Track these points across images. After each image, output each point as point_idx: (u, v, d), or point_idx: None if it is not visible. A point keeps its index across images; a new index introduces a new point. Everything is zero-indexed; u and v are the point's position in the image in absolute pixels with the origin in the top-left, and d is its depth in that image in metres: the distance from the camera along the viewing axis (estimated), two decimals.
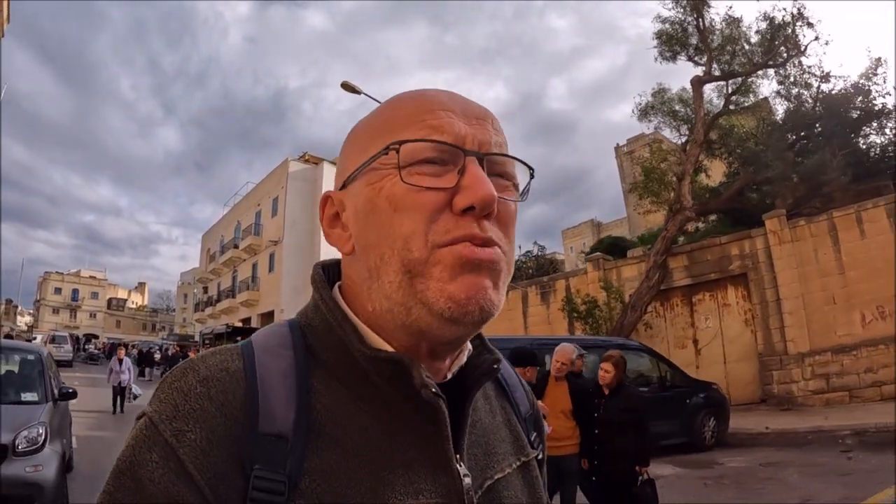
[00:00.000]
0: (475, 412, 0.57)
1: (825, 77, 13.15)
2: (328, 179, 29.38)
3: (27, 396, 4.61)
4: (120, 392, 11.71)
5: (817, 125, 12.49)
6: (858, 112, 12.77)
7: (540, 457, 0.64)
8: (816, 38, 12.87)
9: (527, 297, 15.37)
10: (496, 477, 0.55)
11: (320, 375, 0.50)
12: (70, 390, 5.30)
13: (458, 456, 0.51)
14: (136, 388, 10.41)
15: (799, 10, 12.74)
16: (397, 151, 0.47)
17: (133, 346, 35.09)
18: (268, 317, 28.98)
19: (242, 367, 0.48)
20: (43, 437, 4.05)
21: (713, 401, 8.61)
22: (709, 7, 13.37)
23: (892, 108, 13.01)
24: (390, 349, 0.49)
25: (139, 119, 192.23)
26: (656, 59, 14.24)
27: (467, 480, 0.51)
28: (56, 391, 4.97)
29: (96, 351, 36.55)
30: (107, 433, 8.97)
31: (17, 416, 4.13)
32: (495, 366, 0.55)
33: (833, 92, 13.10)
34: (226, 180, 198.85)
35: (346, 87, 13.53)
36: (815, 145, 12.59)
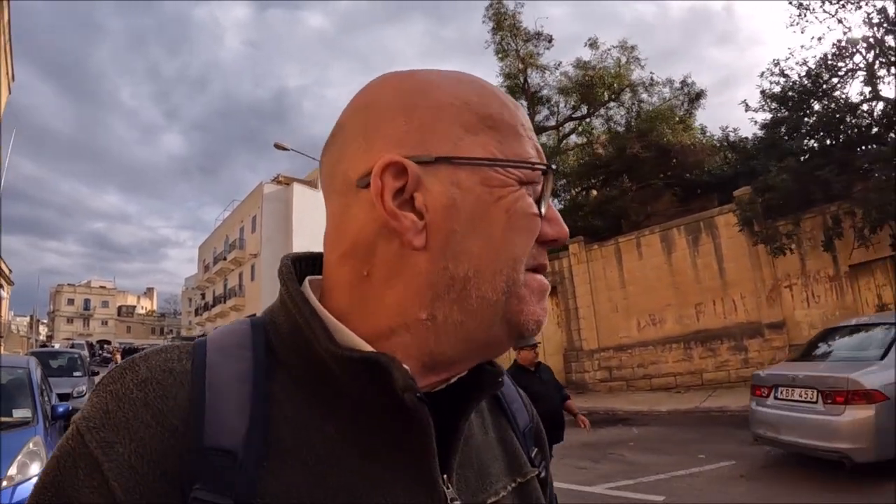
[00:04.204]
0: (468, 428, 0.49)
1: (637, 118, 15.94)
2: (298, 199, 33.38)
3: (76, 374, 9.81)
4: None
5: (612, 164, 15.50)
6: (663, 148, 14.94)
7: (543, 475, 0.57)
8: (628, 86, 16.18)
9: None
10: (489, 501, 0.49)
11: (283, 381, 0.42)
12: (97, 371, 10.60)
13: (445, 476, 0.44)
14: None
15: (620, 61, 15.81)
16: (545, 173, 0.44)
17: (142, 349, 40.69)
18: None
19: (190, 368, 0.41)
20: (85, 390, 9.06)
21: None
22: (537, 69, 17.03)
23: (716, 143, 15.74)
24: (367, 347, 0.42)
25: (143, 126, 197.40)
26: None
27: None
28: (90, 371, 10.22)
29: (108, 355, 42.11)
30: None
31: (72, 381, 9.25)
32: (499, 379, 0.49)
33: (650, 132, 15.20)
34: (233, 182, 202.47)
35: (278, 146, 16.95)
36: (612, 181, 16.05)
